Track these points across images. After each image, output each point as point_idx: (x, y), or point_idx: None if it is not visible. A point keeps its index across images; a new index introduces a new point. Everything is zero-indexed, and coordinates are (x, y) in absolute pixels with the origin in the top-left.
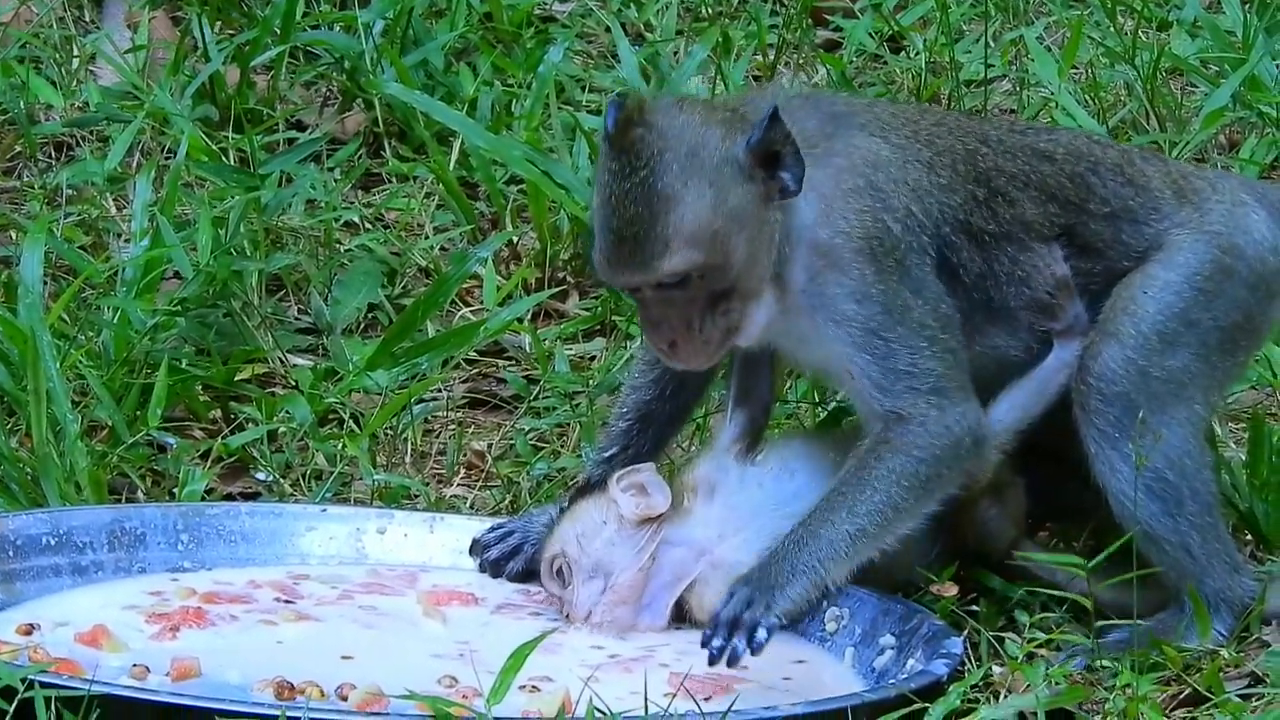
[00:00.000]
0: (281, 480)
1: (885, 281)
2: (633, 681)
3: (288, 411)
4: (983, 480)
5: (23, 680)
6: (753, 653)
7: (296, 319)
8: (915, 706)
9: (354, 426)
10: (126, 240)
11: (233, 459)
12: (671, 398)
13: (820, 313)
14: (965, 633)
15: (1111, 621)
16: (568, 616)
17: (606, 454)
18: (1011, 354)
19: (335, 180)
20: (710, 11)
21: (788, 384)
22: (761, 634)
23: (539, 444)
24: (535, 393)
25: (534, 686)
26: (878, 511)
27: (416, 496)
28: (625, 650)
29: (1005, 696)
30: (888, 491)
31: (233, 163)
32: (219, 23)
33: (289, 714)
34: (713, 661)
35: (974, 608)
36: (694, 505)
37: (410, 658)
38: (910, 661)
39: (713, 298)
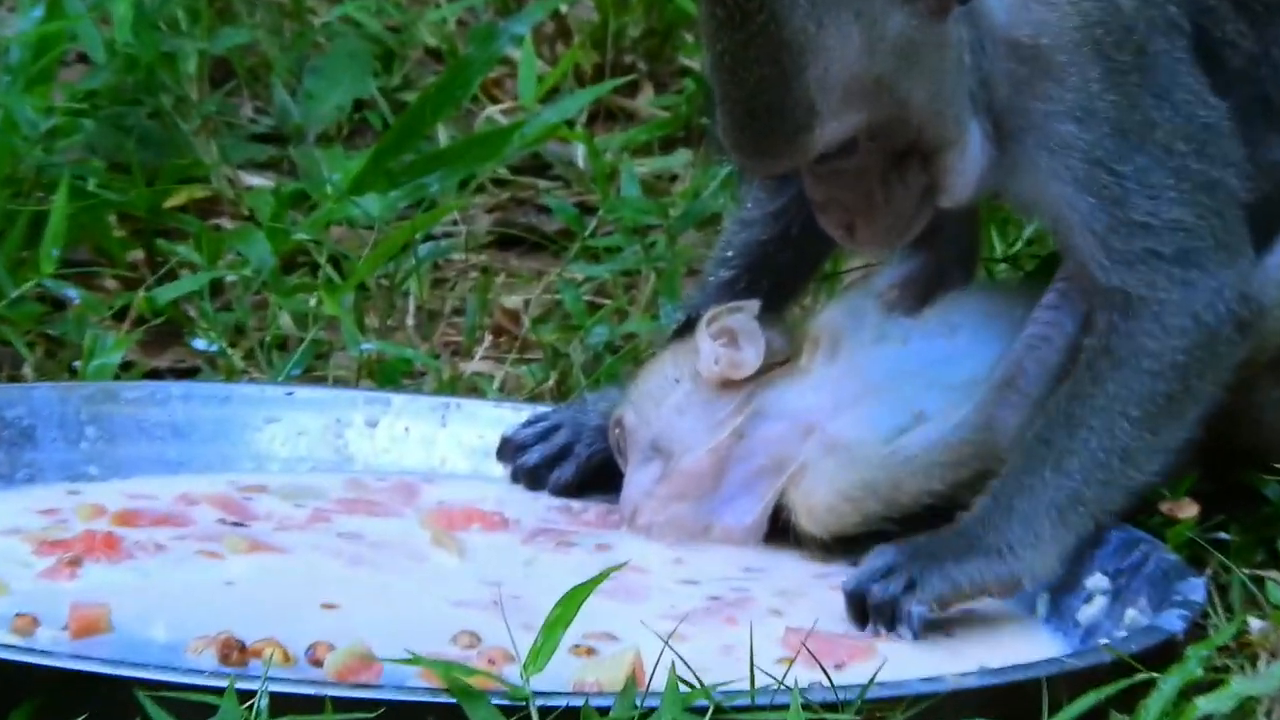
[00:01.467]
0: (229, 351)
1: (1118, 87)
2: (732, 636)
3: (239, 253)
4: (1263, 356)
5: None
6: (913, 637)
7: (252, 121)
8: (1139, 677)
9: (334, 274)
10: (11, 9)
11: (160, 320)
12: (799, 240)
13: (1030, 135)
14: (1209, 571)
15: None
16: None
17: (705, 308)
18: None
19: None
20: None
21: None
22: (917, 616)
23: (596, 300)
24: (592, 227)
25: (589, 649)
26: (1099, 465)
27: (422, 374)
28: (721, 590)
29: (1268, 664)
30: (1111, 431)
31: None
32: None
33: (238, 686)
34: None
35: (1223, 535)
36: (810, 364)
37: (413, 605)
38: (1130, 612)
39: (896, 157)
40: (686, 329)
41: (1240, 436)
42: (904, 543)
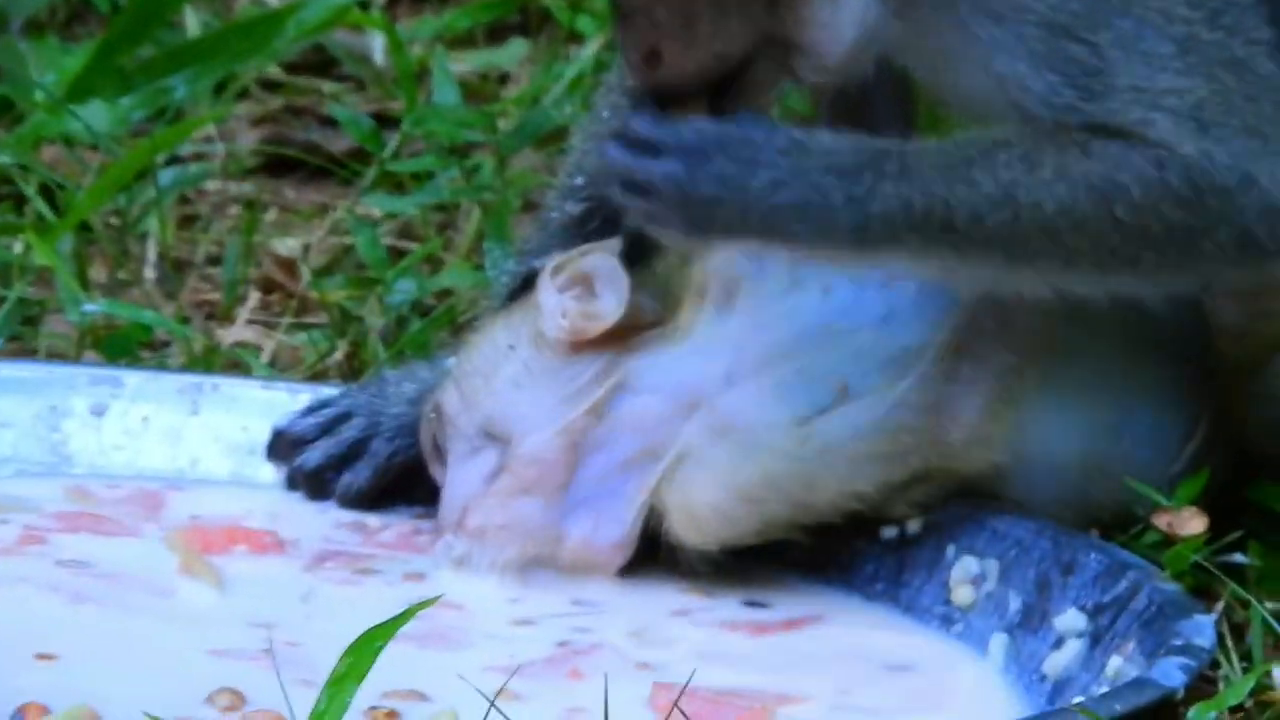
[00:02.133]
0: None
1: None
2: (582, 696)
3: None
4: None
5: None
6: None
7: None
8: None
9: (46, 210)
10: None
11: None
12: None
13: (964, 4)
14: (1220, 606)
15: None
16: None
17: (539, 262)
18: None
19: None
20: None
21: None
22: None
23: (400, 244)
24: (394, 146)
25: (390, 712)
26: (1046, 212)
27: (167, 344)
28: (566, 633)
29: None
30: (1058, 197)
31: None
32: None
33: None
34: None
35: (1238, 558)
36: (693, 321)
37: (155, 655)
38: (1114, 661)
39: None
40: (523, 289)
41: (1251, 433)
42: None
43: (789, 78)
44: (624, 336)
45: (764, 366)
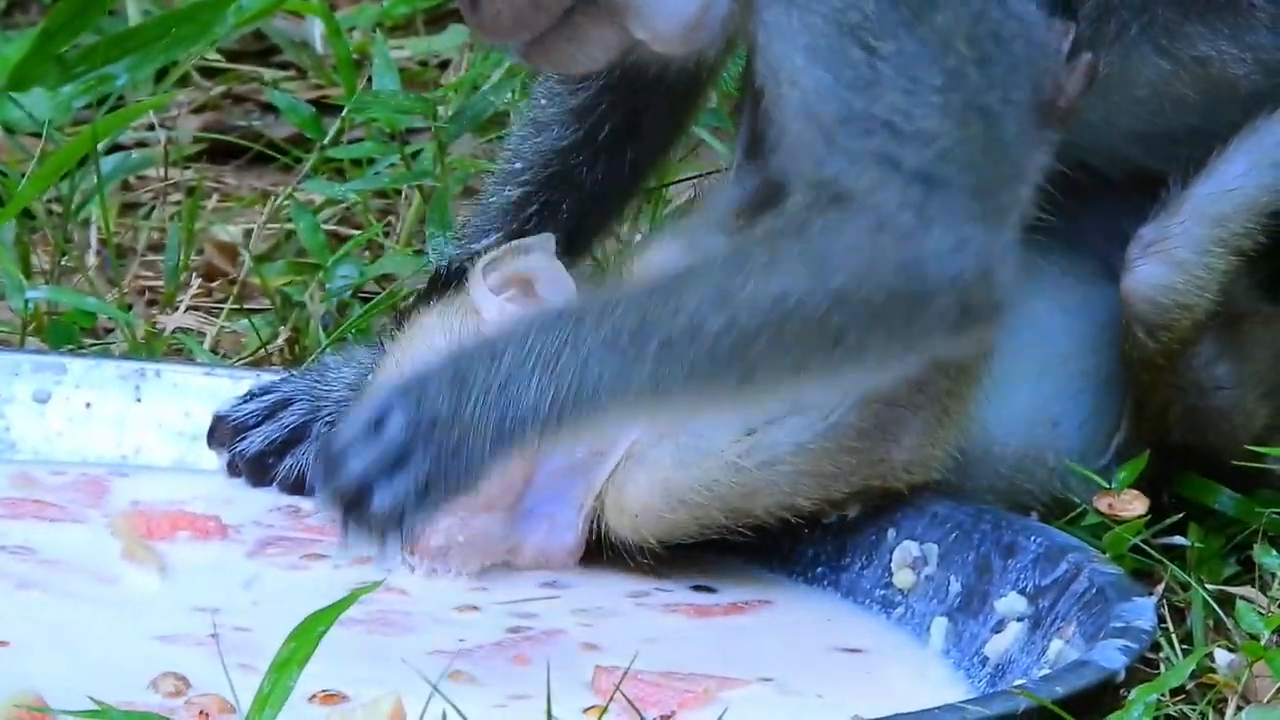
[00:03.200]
0: None
1: None
2: (526, 681)
3: None
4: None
5: None
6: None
7: None
8: None
9: None
10: None
11: None
12: (611, 147)
13: None
14: (1160, 589)
15: None
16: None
17: (479, 245)
18: (1233, 71)
19: None
20: None
21: None
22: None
23: (340, 230)
24: (334, 132)
25: (334, 694)
26: (748, 331)
27: (109, 331)
28: (513, 619)
29: (1238, 711)
30: (777, 285)
31: None
32: None
33: None
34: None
35: (1178, 539)
36: None
37: (99, 640)
38: (1055, 644)
39: None
40: (452, 277)
41: (1176, 424)
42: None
43: (617, 43)
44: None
45: None
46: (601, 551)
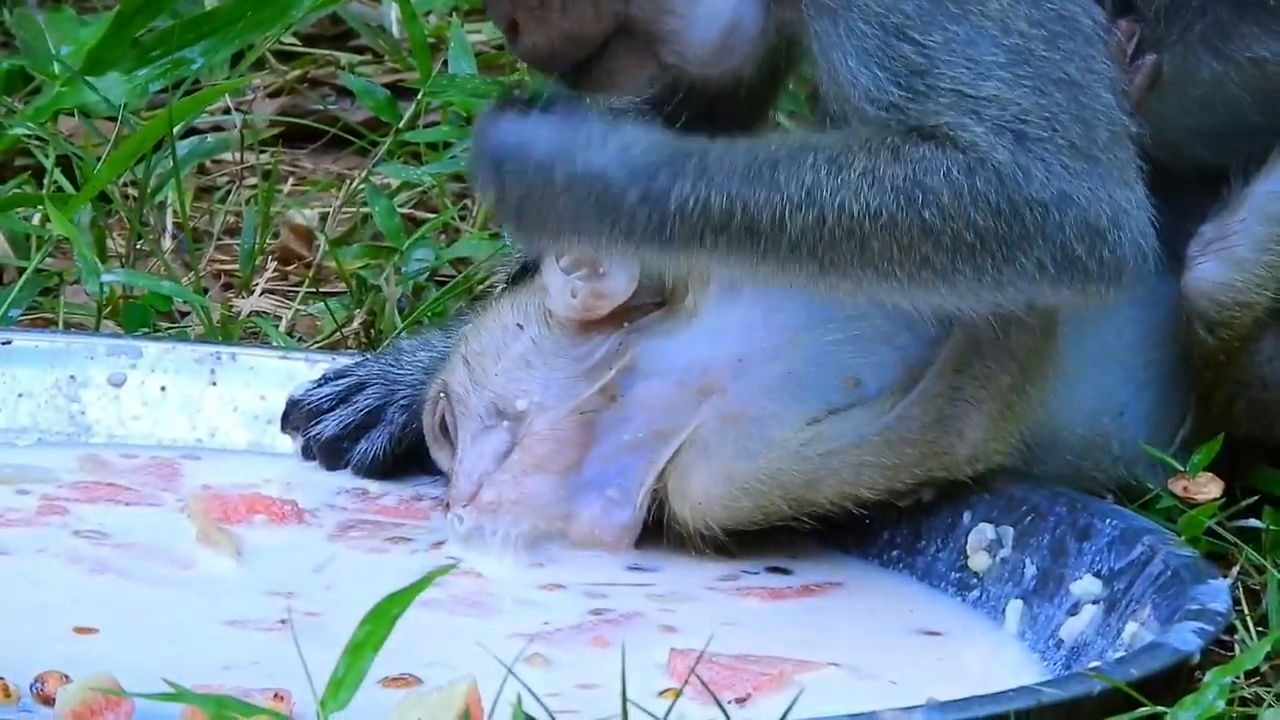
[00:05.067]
0: None
1: None
2: (603, 663)
3: None
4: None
5: None
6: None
7: None
8: (1140, 712)
9: (64, 182)
10: None
11: None
12: (684, 132)
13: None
14: (1235, 571)
15: None
16: (446, 508)
17: None
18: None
19: None
20: None
21: None
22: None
23: (416, 214)
24: (410, 113)
25: (410, 677)
26: (823, 220)
27: (185, 314)
28: (595, 601)
29: None
30: (871, 200)
31: None
32: None
33: None
34: None
35: (1254, 522)
36: (698, 300)
37: (174, 625)
38: (1130, 626)
39: None
40: (528, 267)
41: (1241, 415)
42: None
43: (654, 67)
44: (630, 314)
45: (777, 355)
46: (664, 535)
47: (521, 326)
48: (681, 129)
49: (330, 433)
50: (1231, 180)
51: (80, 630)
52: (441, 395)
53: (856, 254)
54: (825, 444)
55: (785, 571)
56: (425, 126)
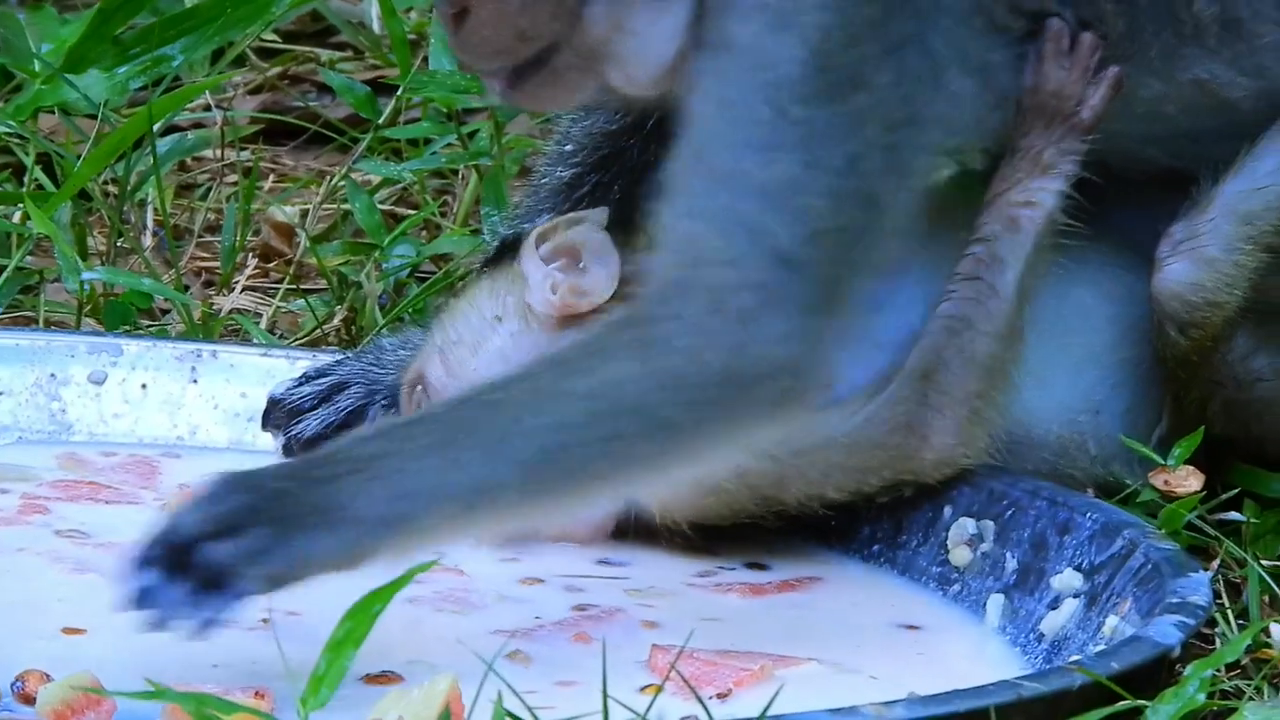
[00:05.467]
0: None
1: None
2: (585, 660)
3: None
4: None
5: None
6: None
7: None
8: (1120, 706)
9: (44, 180)
10: None
11: None
12: (659, 128)
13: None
14: (1216, 564)
15: None
16: None
17: (532, 225)
18: (1230, 94)
19: None
20: None
21: None
22: (239, 595)
23: (397, 210)
24: (390, 110)
25: (392, 675)
26: (573, 424)
27: (166, 312)
28: (575, 597)
29: None
30: (607, 374)
31: None
32: None
33: None
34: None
35: (1234, 515)
36: None
37: None
38: (1111, 620)
39: None
40: (507, 252)
41: (1217, 417)
42: (254, 479)
43: (597, 82)
44: (608, 311)
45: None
46: (629, 529)
47: (500, 319)
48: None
49: (312, 432)
50: (1200, 180)
51: (68, 630)
52: (418, 384)
53: (599, 441)
54: (793, 444)
55: (763, 567)
56: (406, 123)
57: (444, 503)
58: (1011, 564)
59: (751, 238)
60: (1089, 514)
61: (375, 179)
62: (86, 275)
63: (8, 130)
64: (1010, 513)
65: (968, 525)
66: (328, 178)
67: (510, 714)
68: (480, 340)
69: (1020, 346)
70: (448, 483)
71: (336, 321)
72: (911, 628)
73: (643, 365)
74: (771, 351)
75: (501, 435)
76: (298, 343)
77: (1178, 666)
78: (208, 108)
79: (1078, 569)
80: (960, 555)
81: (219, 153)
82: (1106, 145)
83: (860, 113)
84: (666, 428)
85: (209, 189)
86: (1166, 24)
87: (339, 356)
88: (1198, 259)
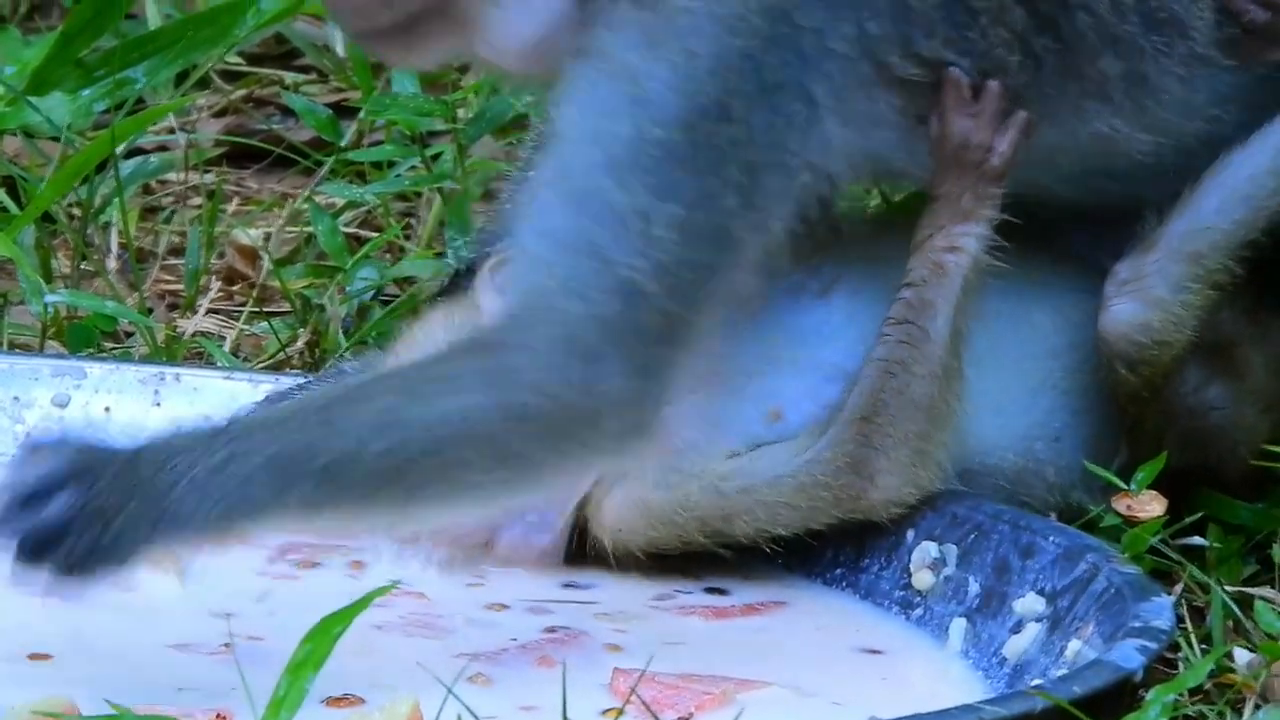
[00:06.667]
0: None
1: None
2: (546, 683)
3: None
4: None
5: None
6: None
7: None
8: None
9: (8, 202)
10: None
11: None
12: None
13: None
14: (1179, 589)
15: None
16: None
17: (495, 248)
18: (1132, 149)
19: None
20: None
21: None
22: (94, 573)
23: (360, 233)
24: (353, 132)
25: (353, 697)
26: (415, 454)
27: (130, 335)
28: (543, 619)
29: (1256, 710)
30: (450, 403)
31: None
32: None
33: None
34: None
35: (1197, 540)
36: None
37: (120, 649)
38: (1073, 644)
39: None
40: (460, 281)
41: (1173, 445)
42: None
43: (464, 52)
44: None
45: (697, 383)
46: (587, 553)
47: None
48: None
49: None
50: (1145, 217)
51: (35, 656)
52: None
53: (436, 468)
54: (742, 479)
55: (723, 592)
56: (369, 145)
57: (273, 518)
58: (974, 588)
59: (599, 267)
60: (1051, 538)
61: (339, 202)
62: (50, 298)
63: None
64: (973, 537)
65: (930, 549)
66: (291, 200)
67: None
68: None
69: (959, 385)
70: (281, 502)
71: (300, 344)
72: (874, 652)
73: (491, 398)
74: (615, 388)
75: (340, 459)
76: (261, 366)
77: (1140, 691)
78: (172, 130)
79: (1040, 593)
80: (923, 579)
81: (183, 175)
82: (1022, 188)
83: (721, 148)
84: (513, 458)
85: (173, 212)
86: (1070, 79)
87: (302, 380)
88: (1145, 299)
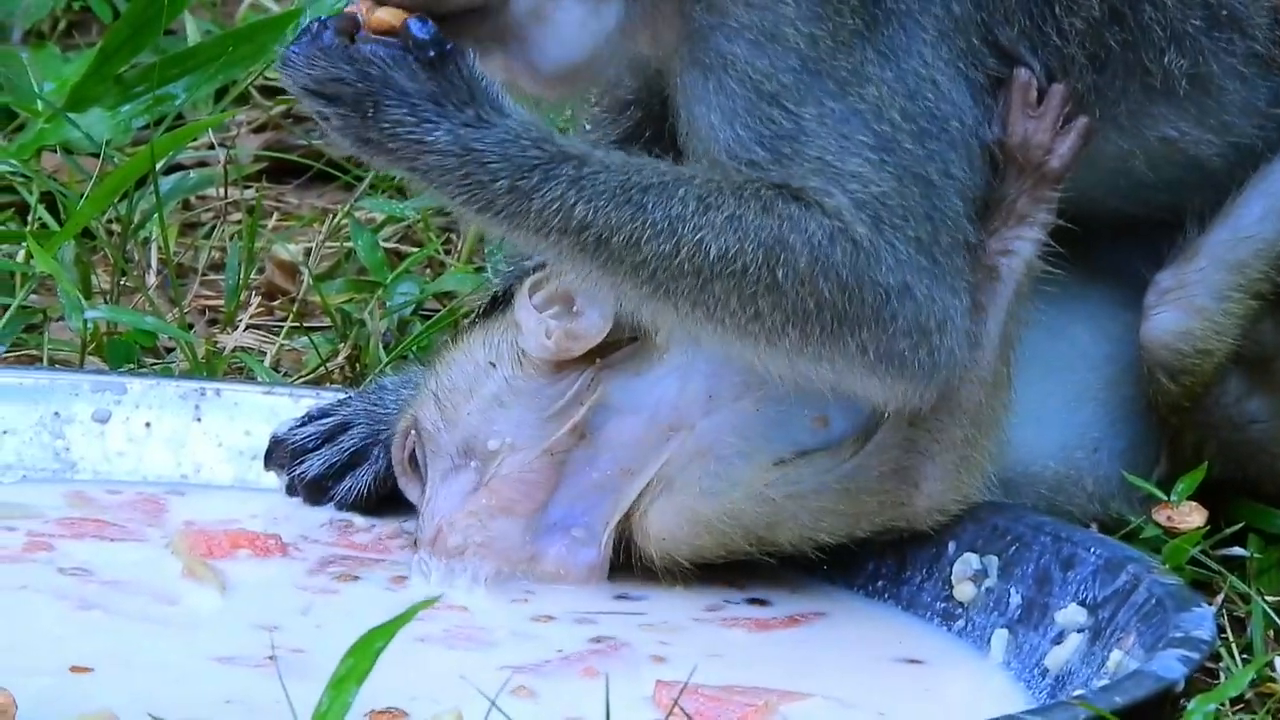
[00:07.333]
0: None
1: (823, 21)
2: (590, 695)
3: None
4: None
5: None
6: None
7: None
8: None
9: (48, 218)
10: None
11: None
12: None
13: (686, 44)
14: (1220, 599)
15: None
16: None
17: (532, 264)
18: (1199, 152)
19: None
20: None
21: None
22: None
23: (400, 248)
24: None
25: (396, 711)
26: (676, 252)
27: (170, 350)
28: (589, 631)
29: None
30: (728, 243)
31: None
32: None
33: None
34: None
35: (1238, 550)
36: (668, 337)
37: (161, 662)
38: (1115, 655)
39: None
40: (498, 305)
41: (1214, 457)
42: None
43: (505, 67)
44: (603, 349)
45: (745, 391)
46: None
47: (494, 365)
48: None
49: (315, 472)
50: (1184, 227)
51: (76, 669)
52: (411, 430)
53: (694, 291)
54: (787, 487)
55: (766, 603)
56: None
57: (600, 231)
58: (1015, 599)
59: (832, 186)
60: (1093, 549)
61: (379, 217)
62: (90, 314)
63: (11, 169)
64: (1014, 548)
65: (972, 561)
66: (331, 215)
67: None
68: (475, 386)
69: (1007, 392)
70: (612, 216)
71: (340, 359)
72: (915, 663)
73: (765, 259)
74: (877, 298)
75: (622, 239)
76: (301, 380)
77: (1181, 701)
78: (211, 146)
79: (1082, 604)
80: (964, 590)
81: (222, 191)
82: (1074, 197)
83: (875, 102)
84: (759, 319)
85: (212, 227)
86: (1135, 77)
87: (342, 395)
88: (1187, 307)
